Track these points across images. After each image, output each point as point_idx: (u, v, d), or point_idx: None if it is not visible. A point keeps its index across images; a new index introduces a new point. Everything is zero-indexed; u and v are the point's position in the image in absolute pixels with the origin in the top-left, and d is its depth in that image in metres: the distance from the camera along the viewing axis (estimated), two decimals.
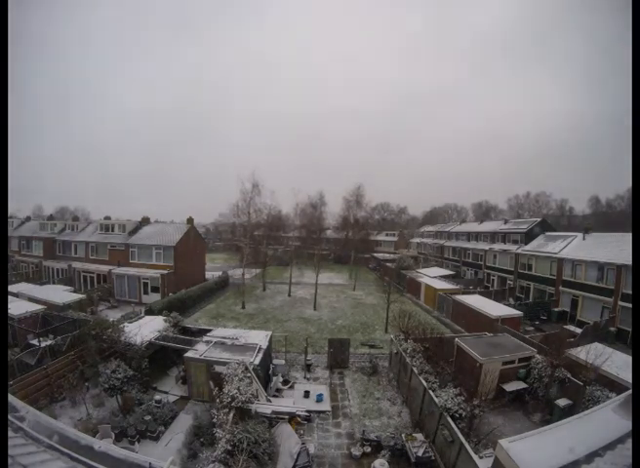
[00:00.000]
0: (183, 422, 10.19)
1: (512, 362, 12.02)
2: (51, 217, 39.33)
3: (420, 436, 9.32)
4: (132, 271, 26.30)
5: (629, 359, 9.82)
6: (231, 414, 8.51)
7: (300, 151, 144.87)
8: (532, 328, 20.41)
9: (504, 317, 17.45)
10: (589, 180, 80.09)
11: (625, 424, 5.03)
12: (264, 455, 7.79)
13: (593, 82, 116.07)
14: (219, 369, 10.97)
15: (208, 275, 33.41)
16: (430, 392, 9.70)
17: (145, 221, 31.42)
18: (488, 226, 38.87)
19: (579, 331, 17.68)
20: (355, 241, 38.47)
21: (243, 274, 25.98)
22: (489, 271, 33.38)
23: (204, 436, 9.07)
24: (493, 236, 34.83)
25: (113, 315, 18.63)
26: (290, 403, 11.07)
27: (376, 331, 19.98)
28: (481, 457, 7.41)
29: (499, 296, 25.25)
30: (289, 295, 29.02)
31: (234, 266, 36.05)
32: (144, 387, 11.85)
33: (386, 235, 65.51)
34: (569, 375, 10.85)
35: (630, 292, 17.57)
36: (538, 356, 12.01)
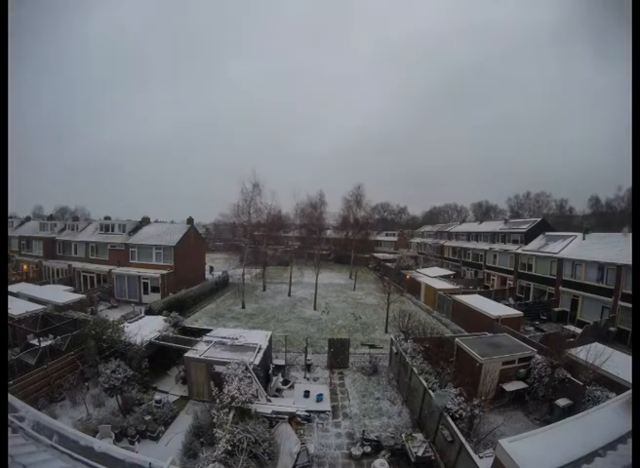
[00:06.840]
0: (183, 422, 10.19)
1: (512, 362, 12.02)
2: (51, 217, 39.23)
3: (419, 436, 9.32)
4: (132, 271, 26.28)
5: (629, 359, 9.80)
6: (231, 414, 8.50)
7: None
8: (532, 328, 20.41)
9: (504, 317, 17.43)
10: (589, 180, 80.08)
11: (625, 424, 5.02)
12: (264, 455, 7.78)
13: (592, 81, 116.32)
14: (219, 368, 10.97)
15: (208, 275, 33.40)
16: (430, 392, 9.70)
17: (145, 221, 31.36)
18: (488, 226, 38.86)
19: (579, 331, 17.68)
20: (355, 241, 38.48)
21: (243, 274, 25.98)
22: (489, 271, 33.37)
23: (204, 436, 9.07)
24: (493, 236, 34.82)
25: (113, 315, 18.62)
26: (290, 403, 11.05)
27: (376, 331, 19.97)
28: (481, 457, 7.40)
29: (499, 296, 25.21)
30: (289, 295, 29.00)
31: (234, 266, 36.16)
32: (144, 387, 11.83)
33: (386, 235, 65.49)
34: (569, 375, 10.86)
35: (630, 292, 17.55)
36: (538, 356, 12.01)
